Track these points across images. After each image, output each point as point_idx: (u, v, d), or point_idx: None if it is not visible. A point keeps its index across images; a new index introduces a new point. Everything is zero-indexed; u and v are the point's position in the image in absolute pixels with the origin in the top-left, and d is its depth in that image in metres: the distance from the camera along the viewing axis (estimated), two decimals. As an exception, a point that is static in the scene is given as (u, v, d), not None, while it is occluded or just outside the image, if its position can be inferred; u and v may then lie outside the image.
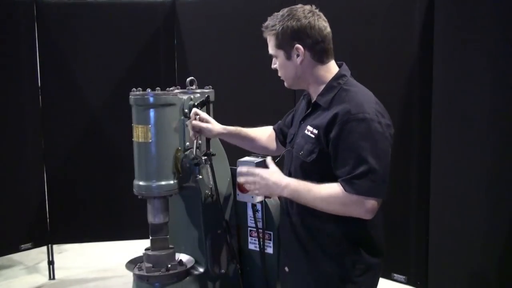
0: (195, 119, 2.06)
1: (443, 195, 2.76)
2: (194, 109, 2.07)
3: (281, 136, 2.16)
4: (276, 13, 1.84)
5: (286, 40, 1.79)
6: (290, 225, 1.91)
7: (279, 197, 1.99)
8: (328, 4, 3.08)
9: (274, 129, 2.21)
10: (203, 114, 2.08)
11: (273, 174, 1.81)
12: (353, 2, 3.13)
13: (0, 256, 4.00)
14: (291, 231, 1.90)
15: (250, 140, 2.17)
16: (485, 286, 2.64)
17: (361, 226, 1.76)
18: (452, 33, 2.66)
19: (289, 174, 1.87)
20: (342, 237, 1.78)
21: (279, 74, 1.89)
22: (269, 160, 1.90)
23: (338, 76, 1.81)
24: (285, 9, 1.82)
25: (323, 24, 1.79)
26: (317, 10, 1.81)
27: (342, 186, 1.67)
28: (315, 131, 1.76)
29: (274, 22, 1.81)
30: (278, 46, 1.82)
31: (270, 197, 2.11)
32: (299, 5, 1.81)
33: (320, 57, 1.81)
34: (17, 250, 3.96)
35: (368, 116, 1.67)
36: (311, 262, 1.84)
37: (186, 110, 2.10)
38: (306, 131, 1.80)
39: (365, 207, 1.66)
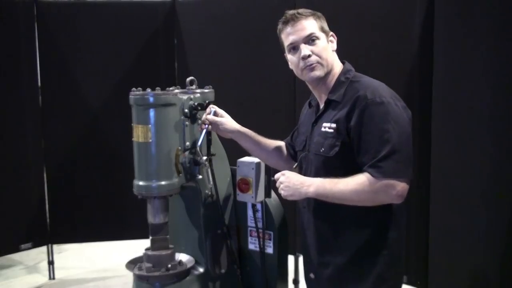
0: (209, 113, 2.11)
1: (443, 195, 2.76)
2: (212, 105, 2.14)
3: (292, 151, 2.14)
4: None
5: (326, 26, 1.85)
6: (315, 230, 1.87)
7: (299, 202, 1.94)
8: (329, 4, 3.10)
9: (285, 142, 2.19)
10: (219, 110, 2.14)
11: (297, 174, 1.83)
12: (353, 2, 3.13)
13: (0, 256, 4.00)
14: (315, 236, 1.87)
15: (264, 147, 2.15)
16: (485, 286, 2.64)
17: (388, 212, 1.75)
18: (452, 33, 2.65)
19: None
20: (371, 233, 1.76)
21: (315, 60, 1.80)
22: None
23: (345, 71, 1.85)
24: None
25: None
26: None
27: (369, 172, 1.65)
28: (334, 125, 1.76)
29: (309, 10, 1.85)
30: (320, 28, 1.83)
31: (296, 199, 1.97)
32: None
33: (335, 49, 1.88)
34: (17, 250, 3.96)
35: (385, 99, 1.69)
36: (337, 265, 1.81)
37: (186, 110, 2.10)
38: (322, 129, 1.80)
39: (395, 190, 1.64)
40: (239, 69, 3.68)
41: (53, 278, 4.10)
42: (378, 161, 1.63)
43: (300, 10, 1.85)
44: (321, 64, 1.81)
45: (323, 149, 1.78)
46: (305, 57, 1.79)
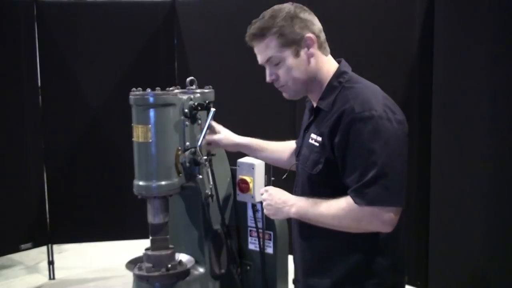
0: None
1: (443, 195, 2.76)
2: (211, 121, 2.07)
3: None
4: (256, 20, 1.66)
5: (293, 34, 1.59)
6: (301, 250, 1.75)
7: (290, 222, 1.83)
8: (328, 4, 3.10)
9: (296, 142, 2.00)
10: (217, 126, 2.10)
11: (281, 191, 1.70)
12: (353, 2, 3.13)
13: (0, 256, 4.00)
14: (301, 257, 1.76)
15: (270, 153, 2.05)
16: (485, 286, 2.64)
17: (379, 238, 1.57)
18: (452, 33, 2.66)
19: (298, 190, 1.72)
20: (359, 259, 1.59)
21: (282, 83, 1.66)
22: None
23: (338, 74, 1.64)
24: (268, 11, 1.65)
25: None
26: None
27: (352, 197, 1.50)
28: (319, 139, 1.59)
29: (266, 24, 1.62)
30: (284, 44, 1.60)
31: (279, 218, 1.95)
32: (279, 5, 1.66)
33: (324, 47, 1.66)
34: (17, 250, 3.96)
35: (375, 113, 1.48)
36: None
37: (186, 110, 2.10)
38: (310, 140, 1.64)
39: (381, 219, 1.48)
40: (239, 69, 3.68)
41: (53, 278, 4.10)
42: (363, 186, 1.46)
43: (255, 29, 1.64)
44: (289, 87, 1.65)
45: (307, 164, 1.63)
46: (270, 82, 1.67)
